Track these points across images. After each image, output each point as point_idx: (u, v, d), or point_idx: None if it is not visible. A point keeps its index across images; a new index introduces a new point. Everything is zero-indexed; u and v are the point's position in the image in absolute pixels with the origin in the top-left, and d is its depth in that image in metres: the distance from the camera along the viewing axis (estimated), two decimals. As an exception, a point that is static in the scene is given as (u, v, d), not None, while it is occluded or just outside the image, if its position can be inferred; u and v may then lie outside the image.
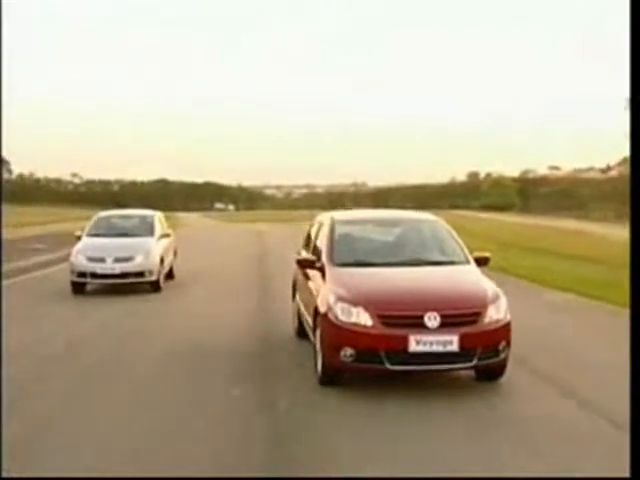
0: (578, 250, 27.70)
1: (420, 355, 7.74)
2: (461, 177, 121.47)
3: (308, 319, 9.53)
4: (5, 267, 21.24)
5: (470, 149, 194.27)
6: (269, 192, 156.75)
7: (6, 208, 45.65)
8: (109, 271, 16.83)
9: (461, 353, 7.80)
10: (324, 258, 9.27)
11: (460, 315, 7.93)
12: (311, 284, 9.49)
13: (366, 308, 7.90)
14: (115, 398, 8.27)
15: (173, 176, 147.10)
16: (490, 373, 8.44)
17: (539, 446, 6.58)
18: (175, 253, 20.19)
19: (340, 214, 10.90)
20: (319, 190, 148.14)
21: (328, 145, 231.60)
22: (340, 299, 8.10)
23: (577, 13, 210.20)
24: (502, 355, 8.17)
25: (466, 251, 9.57)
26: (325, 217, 10.65)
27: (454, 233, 9.97)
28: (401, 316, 7.87)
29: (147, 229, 18.45)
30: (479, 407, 7.75)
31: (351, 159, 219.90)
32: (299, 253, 11.29)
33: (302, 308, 10.34)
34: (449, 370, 8.38)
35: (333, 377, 8.35)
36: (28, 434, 6.97)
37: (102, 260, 16.85)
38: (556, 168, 76.11)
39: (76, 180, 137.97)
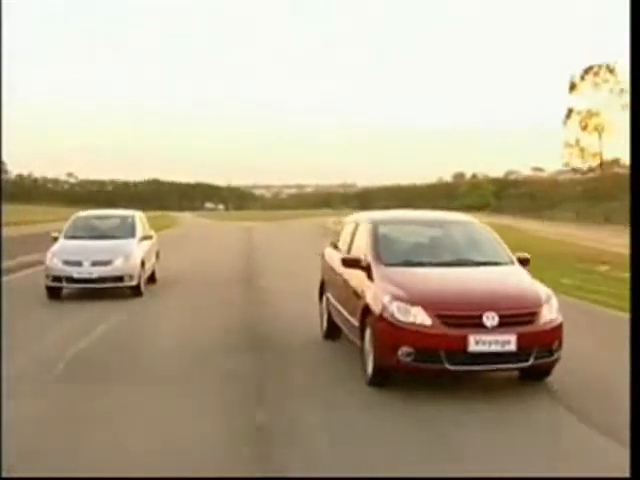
0: None
1: (479, 355, 7.48)
2: (448, 178, 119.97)
3: (350, 319, 8.99)
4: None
5: (460, 150, 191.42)
6: (258, 192, 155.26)
7: (6, 207, 45.40)
8: (86, 275, 14.96)
9: (518, 353, 7.56)
10: (370, 258, 8.77)
11: (517, 315, 7.69)
12: (354, 284, 8.97)
13: (425, 307, 7.59)
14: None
15: (165, 176, 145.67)
16: (539, 373, 8.15)
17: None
18: (157, 255, 18.20)
19: (378, 214, 10.53)
20: (309, 190, 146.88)
21: (319, 146, 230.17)
22: (396, 298, 7.74)
23: (572, 15, 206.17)
24: (556, 355, 7.92)
25: (509, 252, 9.22)
26: (361, 217, 10.32)
27: (495, 234, 9.62)
28: (460, 316, 7.59)
29: (127, 230, 16.50)
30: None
31: (341, 160, 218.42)
32: (323, 255, 11.17)
33: (340, 308, 9.69)
34: (506, 370, 8.03)
35: (386, 377, 7.97)
36: None
37: (79, 264, 14.96)
38: (539, 169, 74.99)
39: (72, 180, 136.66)
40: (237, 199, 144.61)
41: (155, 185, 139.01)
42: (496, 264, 8.92)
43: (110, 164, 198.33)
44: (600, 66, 63.72)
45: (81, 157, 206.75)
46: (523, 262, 9.08)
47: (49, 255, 15.33)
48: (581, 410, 7.31)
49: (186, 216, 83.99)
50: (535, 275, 8.80)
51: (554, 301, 8.09)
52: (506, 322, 7.55)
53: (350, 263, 9.12)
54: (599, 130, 65.63)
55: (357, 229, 9.97)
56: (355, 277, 8.97)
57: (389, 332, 7.70)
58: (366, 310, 8.22)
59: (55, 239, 16.14)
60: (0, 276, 17.90)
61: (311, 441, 6.45)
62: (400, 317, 7.65)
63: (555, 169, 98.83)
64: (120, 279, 15.09)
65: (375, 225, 9.40)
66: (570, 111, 66.12)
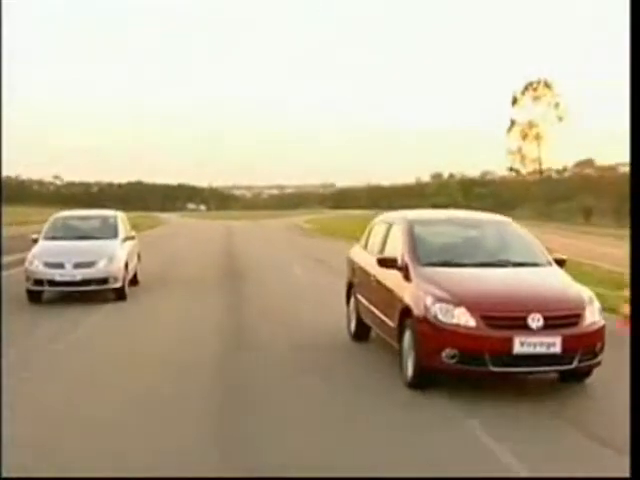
0: None
1: (523, 357, 7.10)
2: (426, 178, 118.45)
3: (386, 320, 8.51)
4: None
5: (441, 150, 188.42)
6: (239, 193, 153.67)
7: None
8: (69, 278, 13.63)
9: (563, 355, 7.18)
10: (407, 258, 8.29)
11: (562, 317, 7.33)
12: (389, 285, 8.49)
13: (469, 309, 7.21)
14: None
15: (149, 178, 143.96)
16: (580, 375, 7.74)
17: None
18: (139, 257, 16.81)
19: (411, 214, 9.84)
20: (289, 190, 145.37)
21: (299, 146, 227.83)
22: (439, 300, 7.35)
23: (572, 15, 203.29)
24: (599, 357, 7.54)
25: (546, 252, 8.76)
26: (394, 217, 9.78)
27: (530, 235, 9.14)
28: (505, 317, 7.21)
29: (110, 231, 15.14)
30: None
31: (321, 160, 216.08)
32: (351, 258, 10.65)
33: (373, 309, 9.17)
34: (550, 372, 7.64)
35: (427, 379, 7.52)
36: None
37: (61, 266, 13.63)
38: (515, 170, 75.43)
39: (57, 182, 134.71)
40: (218, 200, 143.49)
41: (139, 187, 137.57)
42: (535, 265, 8.45)
43: (96, 166, 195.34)
44: (539, 82, 69.75)
45: (67, 159, 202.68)
46: (559, 263, 8.64)
47: (29, 257, 13.99)
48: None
49: (171, 216, 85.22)
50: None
51: (596, 303, 7.72)
52: (551, 324, 7.19)
53: (386, 263, 8.60)
54: (538, 139, 71.74)
55: (390, 229, 9.44)
56: (391, 278, 8.50)
57: (432, 334, 7.31)
58: (405, 311, 7.80)
59: (34, 241, 14.77)
60: (0, 272, 16.95)
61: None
62: (443, 319, 7.27)
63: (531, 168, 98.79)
64: (104, 281, 13.78)
65: (411, 225, 8.88)
66: (512, 122, 72.18)
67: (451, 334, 7.18)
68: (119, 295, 14.06)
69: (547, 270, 8.38)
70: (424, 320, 7.39)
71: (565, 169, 75.21)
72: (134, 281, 15.78)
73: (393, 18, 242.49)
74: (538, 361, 7.17)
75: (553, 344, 7.10)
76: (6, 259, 19.67)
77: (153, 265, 19.39)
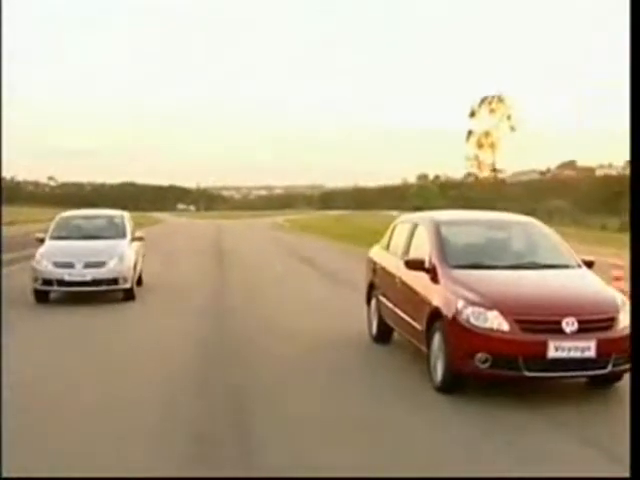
0: (342, 230, 41.68)
1: (558, 361, 6.72)
2: (412, 179, 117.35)
3: (413, 323, 8.05)
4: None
5: (435, 151, 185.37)
6: (228, 193, 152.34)
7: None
8: (79, 278, 12.81)
9: (597, 359, 6.81)
10: (435, 260, 7.82)
11: (597, 320, 6.92)
12: (416, 286, 8.04)
13: (502, 312, 6.81)
14: None
15: (141, 179, 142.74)
16: (612, 379, 7.30)
17: None
18: (143, 257, 15.77)
19: (437, 214, 9.47)
20: (278, 191, 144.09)
21: (289, 147, 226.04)
22: (471, 303, 6.94)
23: (572, 15, 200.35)
24: None
25: (575, 254, 8.27)
26: (420, 218, 9.26)
27: (557, 236, 8.65)
28: (539, 321, 6.81)
29: (118, 230, 14.30)
30: None
31: (314, 161, 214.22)
32: (372, 259, 10.05)
33: (397, 312, 8.70)
34: (585, 377, 7.26)
35: (457, 383, 7.09)
36: None
37: (70, 265, 12.84)
38: (498, 171, 76.88)
39: (52, 183, 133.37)
40: (207, 200, 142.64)
41: (131, 187, 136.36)
42: (566, 267, 7.99)
43: (90, 166, 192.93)
44: (493, 97, 75.06)
45: (63, 160, 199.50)
46: (587, 265, 8.16)
47: (37, 257, 13.15)
48: None
49: (165, 216, 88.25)
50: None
51: (628, 307, 7.04)
52: (585, 328, 6.80)
53: (414, 265, 8.10)
54: (492, 147, 76.85)
55: (415, 230, 8.92)
56: (417, 279, 8.04)
57: (464, 338, 6.88)
58: (434, 314, 7.36)
59: (40, 240, 13.92)
60: (0, 270, 16.34)
61: None
62: (476, 322, 6.86)
63: (517, 170, 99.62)
64: (115, 281, 12.98)
65: (438, 226, 8.40)
66: (470, 132, 77.26)
67: (484, 338, 6.79)
68: (128, 295, 13.29)
69: (578, 272, 7.96)
70: (455, 323, 6.98)
71: (549, 170, 76.51)
72: (139, 282, 14.84)
73: (393, 18, 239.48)
74: (572, 366, 6.80)
75: (587, 348, 6.75)
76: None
77: (177, 242, 32.03)
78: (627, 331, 6.78)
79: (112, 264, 12.97)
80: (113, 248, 13.39)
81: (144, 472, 5.02)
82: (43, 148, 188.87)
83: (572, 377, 7.21)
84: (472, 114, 75.72)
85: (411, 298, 8.19)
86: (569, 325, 6.73)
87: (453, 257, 7.86)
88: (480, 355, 6.75)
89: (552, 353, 6.66)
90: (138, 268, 14.40)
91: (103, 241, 13.76)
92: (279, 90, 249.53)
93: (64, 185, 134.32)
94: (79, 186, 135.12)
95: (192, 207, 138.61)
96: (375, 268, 9.87)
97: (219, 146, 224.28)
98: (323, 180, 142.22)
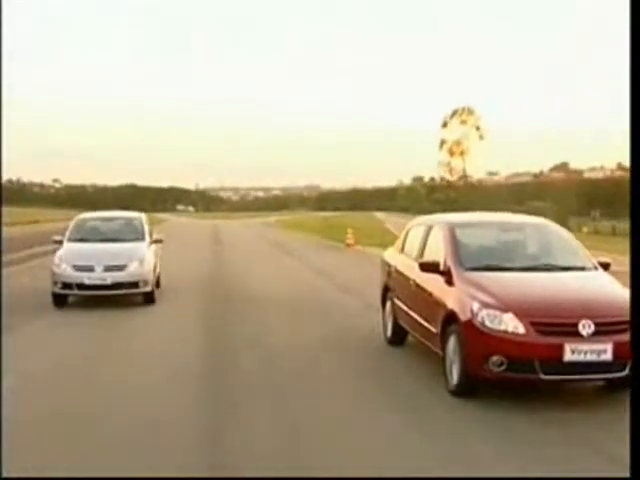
0: (319, 227, 46.23)
1: (574, 364, 6.44)
2: (408, 181, 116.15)
3: (428, 326, 7.74)
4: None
5: (430, 153, 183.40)
6: (226, 195, 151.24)
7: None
8: (99, 281, 12.13)
9: (614, 362, 6.48)
10: (450, 262, 7.54)
11: (613, 323, 6.58)
12: (431, 289, 7.74)
13: (518, 315, 6.54)
14: None
15: (141, 181, 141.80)
16: (627, 383, 6.67)
17: None
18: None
19: (451, 217, 9.21)
20: (276, 192, 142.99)
21: (286, 148, 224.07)
22: (486, 305, 6.67)
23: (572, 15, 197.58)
24: None
25: (590, 256, 7.98)
26: (432, 220, 9.01)
27: (573, 237, 8.40)
28: (556, 323, 6.53)
29: (137, 233, 13.57)
30: None
31: (308, 162, 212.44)
32: (386, 261, 9.67)
33: (412, 314, 8.37)
34: (601, 380, 6.96)
35: (472, 387, 6.81)
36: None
37: (91, 269, 12.15)
38: (494, 173, 77.79)
39: (57, 185, 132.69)
40: (206, 201, 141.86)
41: (132, 189, 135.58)
42: (582, 269, 7.72)
43: (92, 168, 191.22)
44: (463, 109, 77.92)
45: (65, 161, 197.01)
46: (603, 267, 7.89)
47: (56, 260, 12.43)
48: None
49: (167, 216, 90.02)
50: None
51: None
52: (602, 330, 6.51)
53: (429, 267, 7.81)
54: (462, 154, 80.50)
55: (429, 233, 8.58)
56: (431, 282, 7.75)
57: (479, 341, 6.62)
58: (450, 317, 7.08)
59: (58, 242, 13.19)
60: (0, 270, 15.93)
61: None
62: (491, 325, 6.60)
63: (511, 172, 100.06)
64: (135, 285, 12.31)
65: (452, 228, 8.08)
66: (442, 141, 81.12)
67: (499, 341, 6.53)
68: (148, 299, 12.62)
69: (594, 274, 7.68)
70: (470, 326, 6.72)
71: (541, 173, 76.79)
72: (157, 284, 14.08)
73: (392, 18, 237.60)
74: (589, 369, 6.53)
75: (604, 351, 6.46)
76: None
77: (185, 235, 38.91)
78: None
79: (133, 267, 12.29)
80: (133, 251, 12.70)
81: None
82: (43, 148, 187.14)
83: (589, 380, 6.98)
84: (444, 125, 79.43)
85: (426, 301, 7.91)
86: (585, 328, 6.46)
87: (468, 259, 7.61)
88: (495, 358, 6.50)
89: (568, 356, 6.40)
90: (158, 271, 13.71)
91: (123, 244, 13.05)
92: (279, 90, 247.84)
93: (68, 187, 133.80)
94: (82, 188, 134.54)
95: (191, 208, 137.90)
96: (389, 271, 9.51)
97: (218, 146, 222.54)
98: (320, 181, 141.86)
